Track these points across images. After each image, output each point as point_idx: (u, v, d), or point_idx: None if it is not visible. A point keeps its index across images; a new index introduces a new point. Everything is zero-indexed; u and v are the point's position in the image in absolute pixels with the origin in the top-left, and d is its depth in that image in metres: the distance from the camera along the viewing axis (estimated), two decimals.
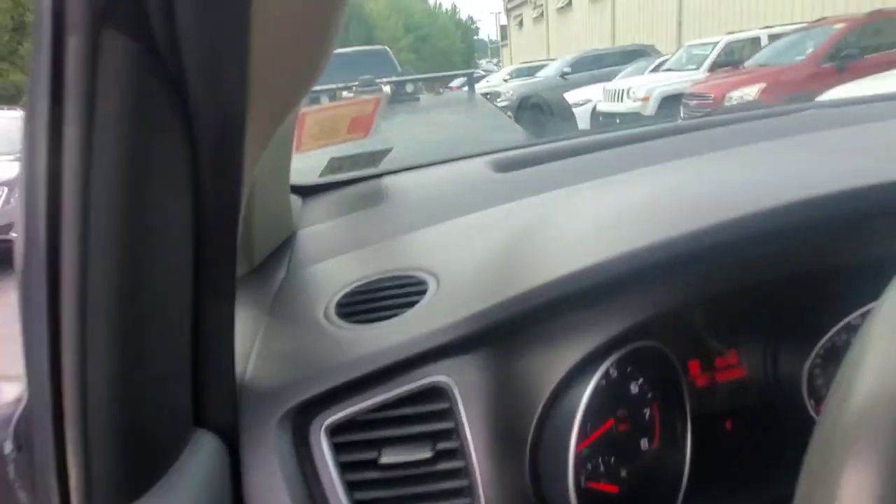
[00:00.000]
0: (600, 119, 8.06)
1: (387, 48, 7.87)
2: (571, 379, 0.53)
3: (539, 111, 8.68)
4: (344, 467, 0.52)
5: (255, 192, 0.67)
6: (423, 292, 0.62)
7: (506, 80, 13.31)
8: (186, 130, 0.39)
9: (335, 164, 1.05)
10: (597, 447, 0.54)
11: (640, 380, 0.57)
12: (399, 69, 7.39)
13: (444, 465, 0.52)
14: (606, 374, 0.54)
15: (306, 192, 1.00)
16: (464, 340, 0.54)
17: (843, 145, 0.79)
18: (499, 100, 9.64)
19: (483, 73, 18.24)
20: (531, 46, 23.31)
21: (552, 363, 0.54)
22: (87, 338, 0.36)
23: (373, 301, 0.63)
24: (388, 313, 0.60)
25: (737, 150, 0.83)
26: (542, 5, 22.44)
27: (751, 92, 6.07)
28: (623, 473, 0.55)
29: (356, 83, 4.00)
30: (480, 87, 11.59)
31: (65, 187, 0.34)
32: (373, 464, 0.52)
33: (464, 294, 0.58)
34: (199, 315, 0.45)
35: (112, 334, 0.37)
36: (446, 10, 39.51)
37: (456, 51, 36.25)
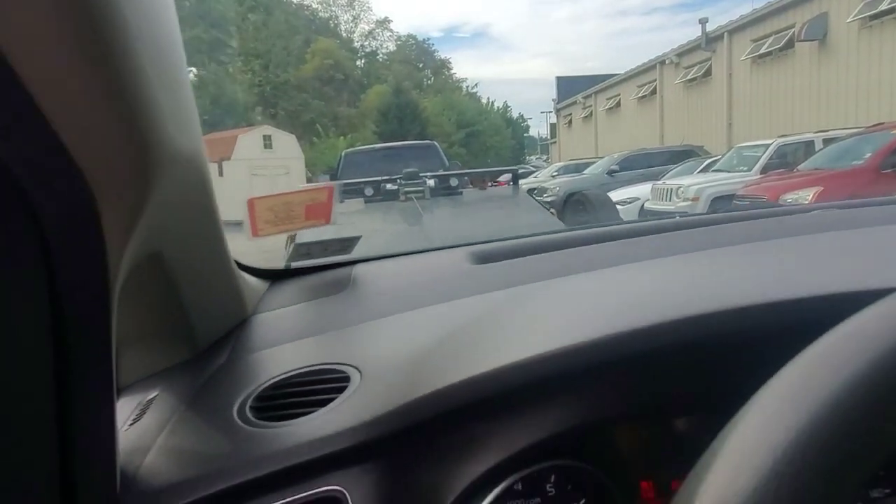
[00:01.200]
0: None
1: (434, 142, 8.06)
2: (473, 492, 0.50)
3: (583, 208, 8.66)
4: None
5: (186, 284, 0.65)
6: (343, 389, 0.60)
7: (553, 176, 13.47)
8: (23, 209, 0.36)
9: (302, 250, 1.01)
10: None
11: (583, 501, 0.53)
12: (447, 163, 7.51)
13: None
14: (520, 481, 0.51)
15: (276, 276, 0.97)
16: (361, 448, 0.51)
17: (829, 248, 0.71)
18: (545, 195, 9.66)
19: (532, 168, 18.60)
20: (579, 144, 23.76)
21: (449, 478, 0.51)
22: None
23: (290, 397, 0.61)
24: (301, 411, 0.58)
25: (709, 252, 0.78)
26: (590, 106, 23.04)
27: (806, 195, 5.86)
28: None
29: (400, 176, 4.05)
30: (528, 183, 11.78)
31: None
32: None
33: (378, 394, 0.55)
34: (70, 408, 0.42)
35: None
36: (498, 107, 41.03)
37: (506, 147, 37.28)
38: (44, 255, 0.39)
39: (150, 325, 0.67)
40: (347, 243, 1.04)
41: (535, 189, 9.54)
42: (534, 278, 0.77)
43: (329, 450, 0.52)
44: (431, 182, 4.12)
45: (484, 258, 0.96)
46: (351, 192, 3.75)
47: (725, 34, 14.06)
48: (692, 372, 0.53)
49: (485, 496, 0.50)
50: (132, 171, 0.42)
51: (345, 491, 0.51)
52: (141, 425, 0.61)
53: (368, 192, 3.78)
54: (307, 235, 0.98)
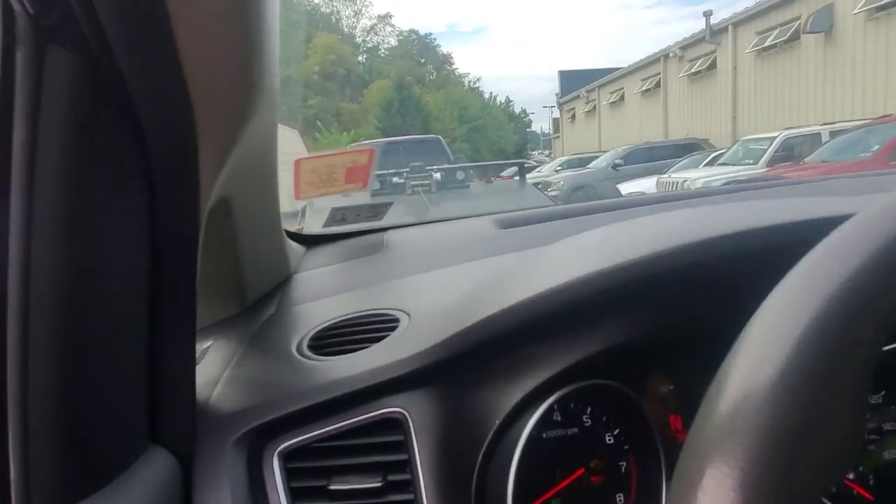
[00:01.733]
0: None
1: (439, 137, 8.05)
2: (521, 409, 0.53)
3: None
4: (294, 493, 0.52)
5: (243, 236, 0.68)
6: (394, 329, 0.63)
7: (557, 171, 13.44)
8: (136, 141, 0.40)
9: (337, 215, 1.07)
10: (568, 497, 0.53)
11: (616, 430, 0.56)
12: (451, 157, 7.50)
13: (393, 497, 0.52)
14: (559, 410, 0.53)
15: (311, 241, 1.02)
16: (420, 373, 0.54)
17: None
18: (549, 190, 9.65)
19: (535, 163, 18.54)
20: (583, 139, 23.69)
21: (502, 396, 0.54)
22: (29, 333, 0.36)
23: (344, 336, 0.64)
24: (356, 347, 0.61)
25: (712, 207, 0.82)
26: (594, 100, 22.96)
27: None
28: None
29: (407, 169, 4.04)
30: (531, 178, 11.72)
31: (12, 199, 0.35)
32: (323, 491, 0.52)
33: (431, 329, 0.58)
34: (158, 337, 0.45)
35: (53, 343, 0.37)
36: (500, 102, 40.89)
37: (509, 142, 37.17)
38: (148, 186, 0.41)
39: (206, 278, 0.69)
40: (379, 209, 1.09)
41: (539, 184, 9.50)
42: (558, 239, 0.82)
43: (389, 376, 0.54)
44: (438, 175, 4.10)
45: (509, 224, 1.00)
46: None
47: (730, 27, 13.96)
48: (714, 293, 0.55)
49: (532, 413, 0.51)
50: (234, 107, 0.46)
51: (406, 413, 0.54)
52: (204, 365, 0.64)
53: (374, 185, 3.76)
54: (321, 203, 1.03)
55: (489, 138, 34.72)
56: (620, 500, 0.55)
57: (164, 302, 0.45)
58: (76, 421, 0.39)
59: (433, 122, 30.08)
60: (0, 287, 0.36)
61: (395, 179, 3.85)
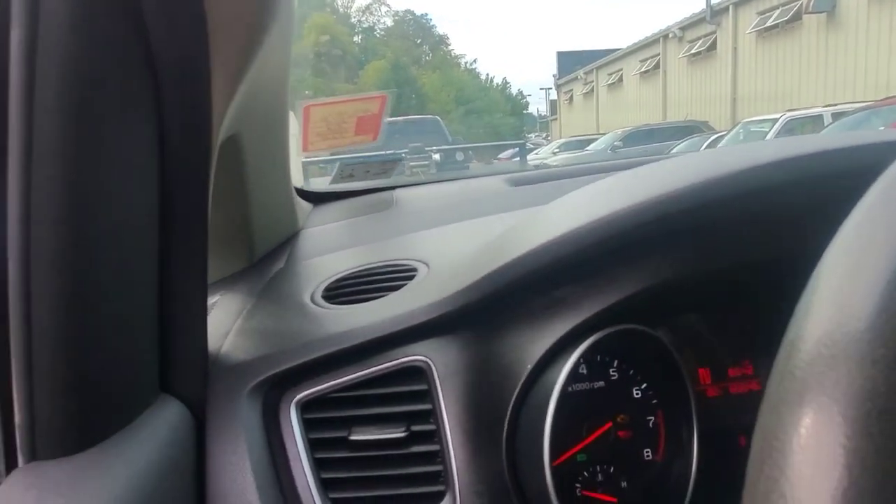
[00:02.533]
0: None
1: (438, 118, 7.94)
2: (551, 358, 0.50)
3: None
4: (313, 444, 0.50)
5: (253, 183, 0.65)
6: (412, 277, 0.60)
7: (555, 153, 13.31)
8: (145, 58, 0.37)
9: (346, 171, 1.04)
10: (594, 453, 0.51)
11: (644, 385, 0.53)
12: (450, 138, 7.40)
13: (418, 448, 0.50)
14: (585, 363, 0.50)
15: (318, 198, 1.00)
16: (445, 320, 0.52)
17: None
18: None
19: (531, 146, 18.41)
20: (580, 121, 23.54)
21: (532, 342, 0.51)
22: (31, 284, 0.34)
23: (360, 285, 0.62)
24: (373, 296, 0.58)
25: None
26: (592, 82, 22.78)
27: None
28: (623, 484, 0.52)
29: (405, 150, 3.96)
30: (529, 160, 11.63)
31: (10, 126, 0.33)
32: (343, 442, 0.50)
33: (451, 277, 0.56)
34: (168, 282, 0.43)
35: (57, 285, 0.35)
36: (497, 84, 40.60)
37: (505, 124, 36.96)
38: (157, 110, 0.39)
39: (215, 230, 0.67)
40: (389, 165, 1.07)
41: (538, 166, 9.42)
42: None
43: (411, 323, 0.52)
44: (437, 157, 4.04)
45: (521, 182, 0.98)
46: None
47: (731, 7, 13.78)
48: (764, 230, 0.51)
49: (564, 361, 0.49)
50: (247, 24, 0.43)
51: (429, 360, 0.51)
52: (214, 317, 0.61)
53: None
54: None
55: (486, 120, 34.52)
56: (648, 456, 0.53)
57: (174, 241, 0.43)
58: (83, 367, 0.37)
59: (430, 103, 29.88)
60: (0, 227, 0.34)
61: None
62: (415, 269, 0.62)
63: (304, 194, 0.98)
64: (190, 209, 0.44)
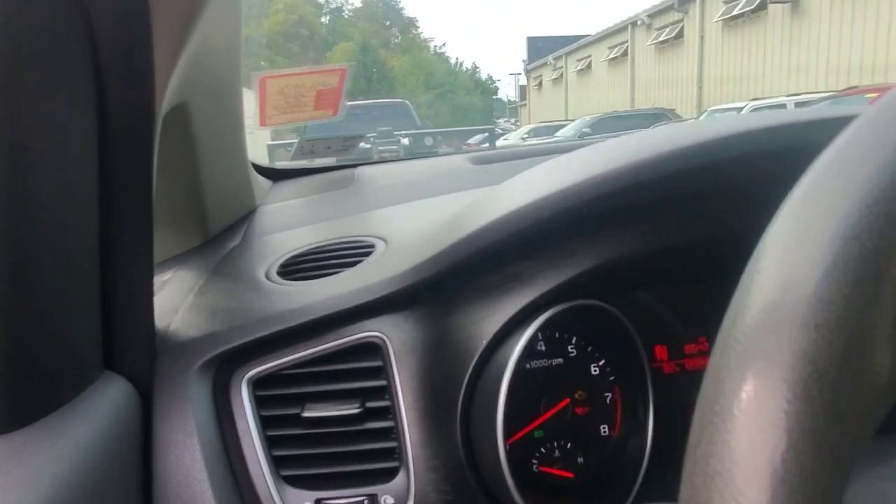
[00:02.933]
0: None
1: (406, 101, 7.84)
2: (506, 334, 0.49)
3: None
4: (265, 421, 0.50)
5: (205, 157, 0.64)
6: (369, 253, 0.59)
7: (524, 139, 13.30)
8: (86, 34, 0.36)
9: (306, 147, 1.01)
10: (551, 429, 0.51)
11: (602, 361, 0.54)
12: (419, 123, 7.31)
13: (372, 424, 0.50)
14: (543, 339, 0.50)
15: (277, 175, 0.97)
16: (401, 295, 0.51)
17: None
18: None
19: (500, 131, 18.37)
20: (549, 107, 23.59)
21: (486, 318, 0.50)
22: None
23: (316, 262, 0.61)
24: (329, 272, 0.57)
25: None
26: (561, 67, 22.81)
27: None
28: (580, 460, 0.53)
29: (374, 134, 3.88)
30: (498, 146, 11.61)
31: None
32: (296, 419, 0.49)
33: (408, 253, 0.55)
34: (111, 257, 0.42)
35: None
36: (467, 69, 40.44)
37: (475, 109, 36.88)
38: (96, 74, 0.37)
39: (166, 206, 0.64)
40: (350, 142, 1.04)
41: None
42: None
43: (366, 299, 0.51)
44: (406, 141, 3.98)
45: (482, 161, 0.97)
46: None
47: None
48: (718, 205, 0.51)
49: (519, 338, 0.48)
50: None
51: (384, 336, 0.51)
52: (164, 295, 0.60)
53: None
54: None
55: (455, 104, 34.39)
56: (605, 431, 0.54)
57: (117, 215, 0.41)
58: (21, 343, 0.36)
59: (398, 86, 29.59)
60: None
61: (362, 144, 3.70)
62: (372, 246, 0.61)
63: (263, 170, 0.95)
64: (133, 181, 0.42)
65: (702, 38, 13.92)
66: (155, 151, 0.43)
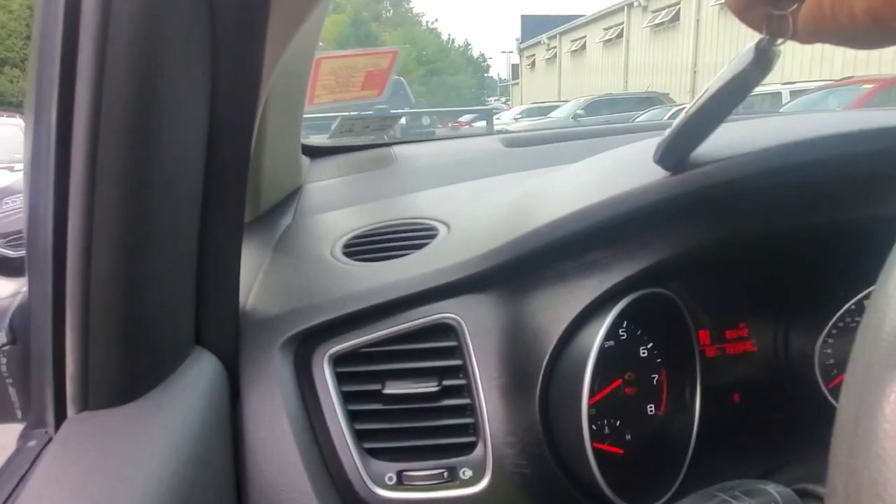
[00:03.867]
0: None
1: (402, 79, 7.71)
2: (586, 318, 0.51)
3: None
4: (346, 397, 0.51)
5: (264, 144, 0.67)
6: (433, 237, 0.61)
7: (517, 119, 13.21)
8: (208, 18, 0.37)
9: (346, 126, 1.03)
10: (602, 408, 0.54)
11: (650, 344, 0.56)
12: (413, 100, 7.21)
13: (449, 401, 0.51)
14: (622, 317, 0.51)
15: (315, 153, 1.00)
16: (476, 279, 0.53)
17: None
18: None
19: (494, 110, 18.23)
20: (542, 87, 23.43)
21: (566, 303, 0.52)
22: (93, 234, 0.35)
23: (380, 243, 0.62)
24: (396, 254, 0.59)
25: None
26: (555, 47, 22.62)
27: None
28: (628, 437, 0.55)
29: (370, 112, 3.81)
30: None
31: (80, 76, 0.33)
32: (376, 395, 0.51)
33: (476, 238, 0.57)
34: (206, 235, 0.44)
35: (118, 236, 0.36)
36: (459, 46, 39.97)
37: (466, 86, 36.57)
38: (213, 58, 0.38)
39: None
40: (388, 122, 1.07)
41: (500, 131, 9.32)
42: (568, 160, 0.75)
43: (441, 281, 0.53)
44: (403, 121, 3.92)
45: (513, 143, 0.99)
46: (315, 128, 3.52)
47: None
48: (805, 205, 0.54)
49: (601, 321, 0.50)
50: None
51: (459, 318, 0.52)
52: None
53: (334, 128, 3.55)
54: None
55: (447, 82, 34.08)
56: (651, 411, 0.56)
57: (215, 192, 0.43)
58: (135, 317, 0.38)
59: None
60: (63, 182, 0.34)
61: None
62: (434, 229, 0.63)
63: (303, 148, 0.97)
64: (233, 161, 0.43)
65: (698, 21, 13.85)
66: (254, 138, 0.45)
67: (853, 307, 0.57)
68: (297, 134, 0.80)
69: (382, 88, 0.89)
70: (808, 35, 0.35)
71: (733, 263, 0.61)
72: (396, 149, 0.99)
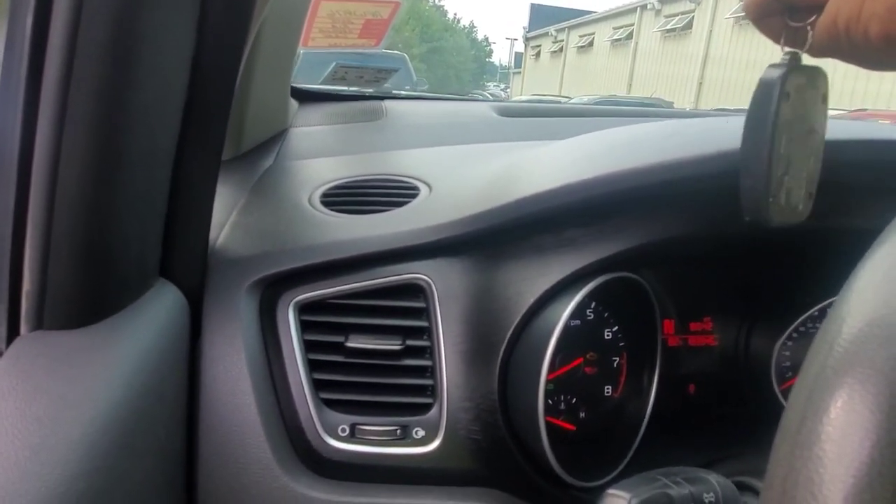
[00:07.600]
0: None
1: (405, 55, 7.38)
2: (555, 294, 0.51)
3: None
4: (308, 345, 0.51)
5: (252, 80, 0.67)
6: (414, 196, 0.60)
7: None
8: None
9: (339, 73, 1.01)
10: (560, 384, 0.55)
11: (616, 328, 0.57)
12: (414, 78, 6.88)
13: (410, 361, 0.52)
14: (591, 296, 0.52)
15: (304, 96, 0.97)
16: (451, 243, 0.53)
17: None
18: None
19: (489, 96, 17.93)
20: (544, 79, 23.11)
21: (539, 276, 0.52)
22: (62, 148, 0.34)
23: (360, 196, 0.62)
24: (374, 209, 0.59)
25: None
26: (562, 40, 22.27)
27: None
28: (582, 415, 0.56)
29: (371, 91, 3.52)
30: None
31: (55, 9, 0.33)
32: (338, 347, 0.51)
33: (456, 202, 0.56)
34: (182, 166, 0.43)
35: (88, 153, 0.35)
36: (464, 26, 39.49)
37: (466, 69, 36.16)
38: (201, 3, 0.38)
39: None
40: (383, 74, 1.04)
41: None
42: (565, 135, 0.72)
43: (416, 241, 0.52)
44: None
45: (507, 113, 0.97)
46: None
47: None
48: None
49: (569, 298, 0.50)
50: None
51: (430, 280, 0.52)
52: None
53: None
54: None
55: (448, 62, 33.61)
56: (608, 392, 0.57)
57: (196, 125, 0.42)
58: (99, 237, 0.37)
59: (393, 35, 28.79)
60: (35, 90, 0.33)
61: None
62: (416, 188, 0.62)
63: (292, 91, 0.94)
64: (216, 94, 0.43)
65: (711, 32, 13.60)
66: (240, 71, 0.44)
67: (816, 313, 0.59)
68: (287, 74, 0.79)
69: (380, 39, 0.88)
70: (823, 50, 0.36)
71: (706, 258, 0.62)
72: (388, 103, 0.97)
